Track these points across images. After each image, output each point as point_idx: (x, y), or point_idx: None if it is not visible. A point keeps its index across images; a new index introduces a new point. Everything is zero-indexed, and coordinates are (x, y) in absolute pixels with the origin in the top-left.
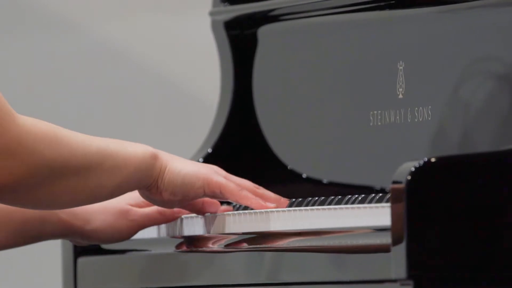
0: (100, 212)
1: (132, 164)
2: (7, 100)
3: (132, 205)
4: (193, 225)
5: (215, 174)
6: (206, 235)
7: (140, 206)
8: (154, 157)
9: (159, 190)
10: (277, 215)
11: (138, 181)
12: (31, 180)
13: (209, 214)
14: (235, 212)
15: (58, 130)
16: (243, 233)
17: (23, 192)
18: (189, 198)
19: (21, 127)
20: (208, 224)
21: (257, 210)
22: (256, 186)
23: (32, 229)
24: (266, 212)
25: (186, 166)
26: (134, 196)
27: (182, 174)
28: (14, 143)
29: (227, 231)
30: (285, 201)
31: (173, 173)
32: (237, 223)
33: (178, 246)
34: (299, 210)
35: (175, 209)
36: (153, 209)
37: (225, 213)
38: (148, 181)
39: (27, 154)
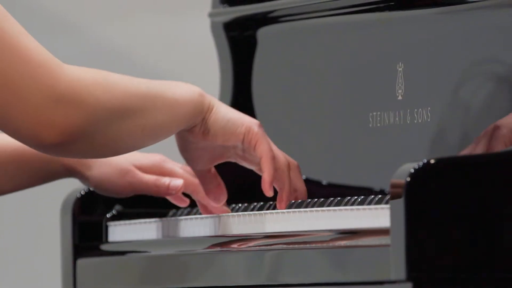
0: (102, 164)
1: (183, 102)
2: None
3: (136, 167)
4: (192, 226)
5: (258, 126)
6: (206, 236)
7: (143, 170)
8: (202, 95)
9: (202, 130)
10: (277, 216)
11: (189, 118)
12: (90, 128)
13: (208, 215)
14: (235, 213)
15: (106, 74)
16: (243, 234)
17: (86, 140)
18: (228, 143)
19: (72, 75)
20: (207, 225)
21: (256, 212)
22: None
23: (39, 169)
24: (265, 213)
25: (231, 110)
26: (140, 158)
27: (228, 117)
28: (69, 91)
29: (226, 232)
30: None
31: (218, 114)
32: (237, 224)
33: (177, 247)
34: (299, 211)
35: (170, 185)
36: (152, 178)
37: (225, 214)
38: (198, 118)
39: (83, 101)
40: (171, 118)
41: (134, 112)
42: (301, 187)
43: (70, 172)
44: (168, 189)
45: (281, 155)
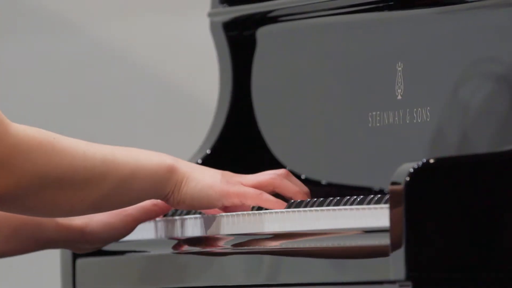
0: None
1: (142, 177)
2: (2, 106)
3: None
4: (192, 226)
5: (231, 184)
6: (205, 236)
7: None
8: (171, 170)
9: (176, 202)
10: (276, 216)
11: (149, 194)
12: (20, 192)
13: (207, 215)
14: (234, 213)
15: (57, 140)
16: (242, 234)
17: (15, 202)
18: (207, 209)
19: (14, 137)
20: (206, 225)
21: (255, 212)
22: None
23: (29, 234)
24: (264, 213)
25: (203, 179)
26: None
27: (199, 188)
28: (5, 155)
29: (225, 232)
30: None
31: (189, 186)
32: (236, 224)
33: (176, 247)
34: (298, 211)
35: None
36: (147, 202)
37: (224, 214)
38: (162, 193)
39: (17, 166)
40: (122, 193)
41: (75, 183)
42: (301, 190)
43: (65, 234)
44: (168, 206)
45: (266, 179)
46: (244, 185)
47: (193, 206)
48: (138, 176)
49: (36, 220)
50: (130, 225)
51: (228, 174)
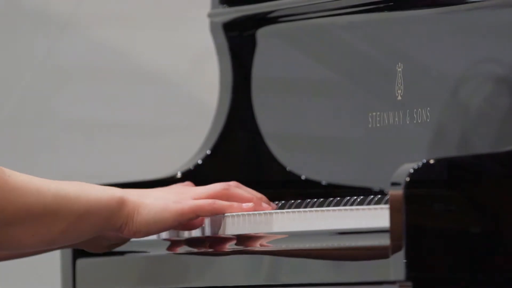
0: None
1: (93, 212)
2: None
3: None
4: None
5: (184, 202)
6: (205, 236)
7: None
8: (121, 202)
9: (132, 232)
10: (276, 217)
11: (101, 227)
12: None
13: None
14: (234, 214)
15: (12, 178)
16: (242, 235)
17: None
18: (166, 231)
19: None
20: (206, 226)
21: (255, 212)
22: (226, 186)
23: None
24: (264, 213)
25: (154, 204)
26: None
27: (152, 214)
28: None
29: (225, 233)
30: (260, 198)
31: (143, 214)
32: (236, 225)
33: (177, 248)
34: (298, 211)
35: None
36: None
37: (224, 214)
38: (115, 226)
39: None
40: (74, 228)
41: (27, 220)
42: (255, 196)
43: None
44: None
45: (212, 189)
46: (196, 198)
47: (150, 233)
48: (90, 211)
49: None
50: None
51: (178, 190)
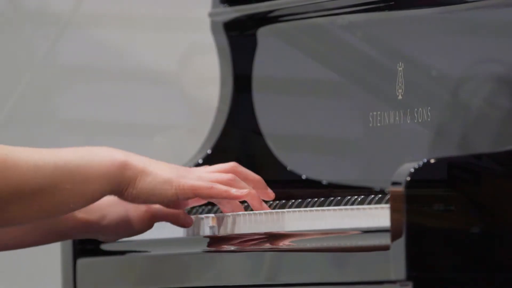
0: (113, 205)
1: (95, 178)
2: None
3: None
4: (192, 227)
5: (187, 178)
6: (205, 236)
7: None
8: (123, 166)
9: (132, 197)
10: (277, 217)
11: (103, 193)
12: None
13: (207, 215)
14: (235, 213)
15: (9, 156)
16: (243, 235)
17: None
18: (164, 204)
19: None
20: (207, 225)
21: (256, 212)
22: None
23: (48, 227)
24: (265, 213)
25: (158, 174)
26: None
27: (154, 184)
28: None
29: (225, 232)
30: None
31: (145, 182)
32: (237, 225)
33: (177, 247)
34: (299, 211)
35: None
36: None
37: (225, 214)
38: (117, 190)
39: None
40: (76, 196)
41: (28, 195)
42: (245, 184)
43: (82, 227)
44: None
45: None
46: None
47: (148, 201)
48: (91, 179)
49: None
50: (147, 223)
51: (183, 168)
